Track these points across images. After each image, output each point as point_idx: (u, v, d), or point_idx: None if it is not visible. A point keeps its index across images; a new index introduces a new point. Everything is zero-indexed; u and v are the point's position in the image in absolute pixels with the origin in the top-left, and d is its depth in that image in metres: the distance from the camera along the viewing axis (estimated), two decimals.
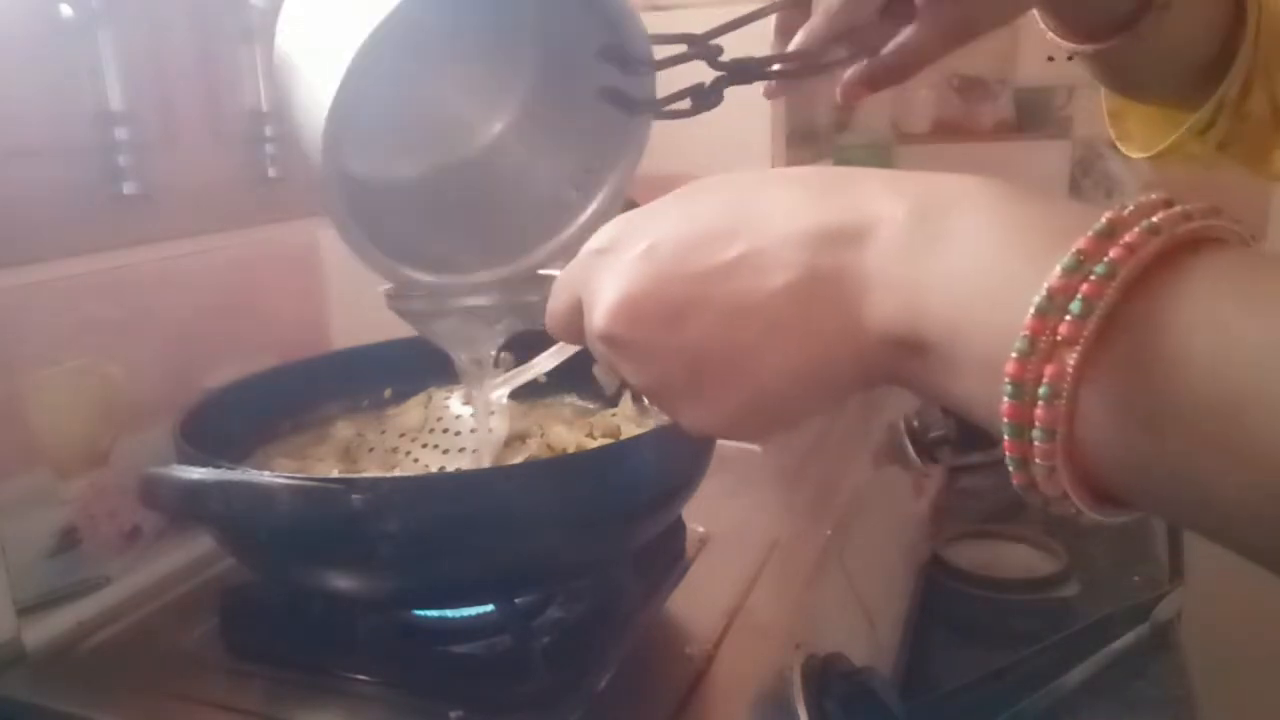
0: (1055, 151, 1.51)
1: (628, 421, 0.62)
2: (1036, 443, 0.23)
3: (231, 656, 0.52)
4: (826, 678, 0.50)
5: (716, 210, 0.31)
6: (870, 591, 0.67)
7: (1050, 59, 1.47)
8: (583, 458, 0.54)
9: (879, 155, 1.61)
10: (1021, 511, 0.95)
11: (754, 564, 0.59)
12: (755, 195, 0.31)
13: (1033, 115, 1.52)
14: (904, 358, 0.27)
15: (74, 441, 0.58)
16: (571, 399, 0.69)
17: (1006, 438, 0.24)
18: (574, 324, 0.35)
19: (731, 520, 0.65)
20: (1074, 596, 0.77)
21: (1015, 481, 0.25)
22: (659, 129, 1.11)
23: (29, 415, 0.55)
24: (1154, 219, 0.22)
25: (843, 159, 1.43)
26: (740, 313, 0.29)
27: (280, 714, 0.48)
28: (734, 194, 0.31)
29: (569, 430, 0.61)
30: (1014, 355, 0.23)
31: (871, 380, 0.29)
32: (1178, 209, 0.22)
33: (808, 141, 1.18)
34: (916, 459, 0.86)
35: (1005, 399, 0.23)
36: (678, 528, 0.61)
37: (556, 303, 0.37)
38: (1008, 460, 0.24)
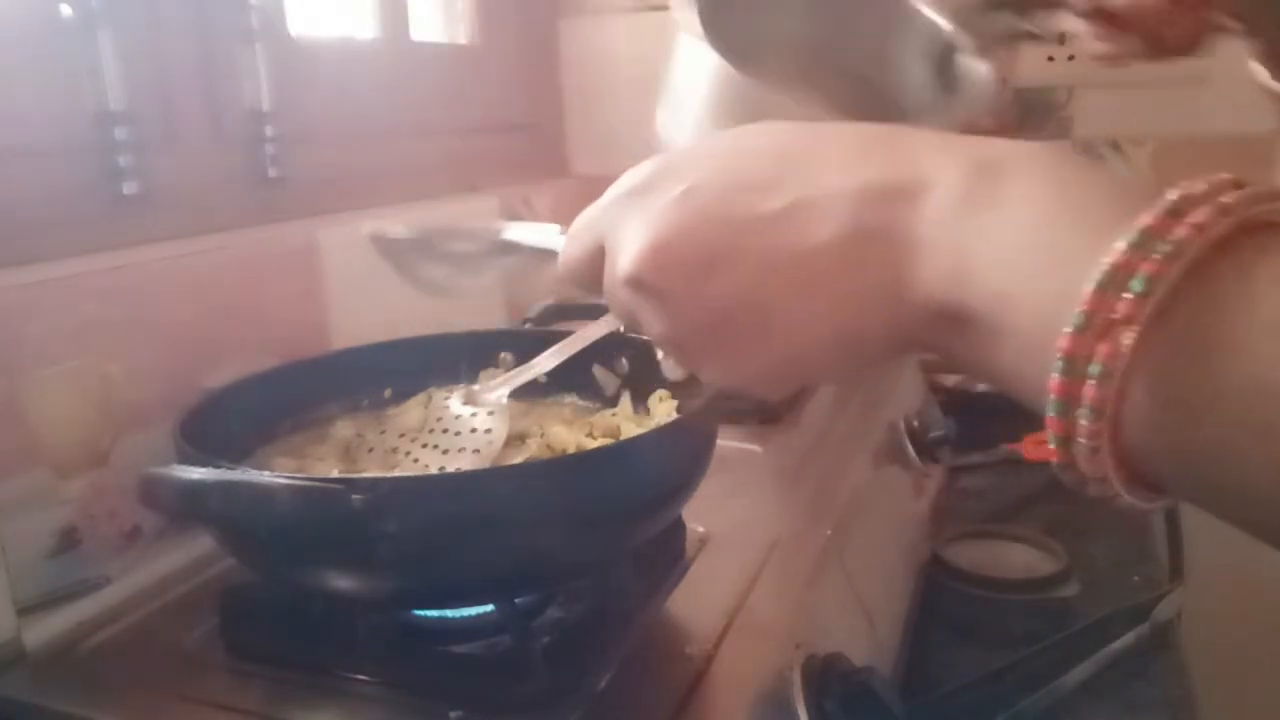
0: None
1: (628, 421, 0.62)
2: (1083, 421, 0.22)
3: (231, 656, 0.52)
4: (826, 678, 0.50)
5: (761, 158, 0.29)
6: (870, 591, 0.67)
7: (1050, 59, 1.47)
8: (583, 458, 0.54)
9: None
10: (1021, 511, 0.95)
11: (754, 564, 0.59)
12: (803, 146, 0.29)
13: (1033, 115, 1.52)
14: (944, 326, 0.26)
15: (74, 441, 0.58)
16: (571, 399, 0.69)
17: (1051, 414, 0.23)
18: (592, 269, 0.33)
19: (731, 520, 0.64)
20: (1074, 596, 0.77)
21: (1056, 460, 0.24)
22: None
23: (29, 415, 0.55)
24: (1224, 199, 0.21)
25: None
26: (779, 267, 0.28)
27: (280, 714, 0.48)
28: (780, 142, 0.30)
29: (569, 430, 0.61)
30: (1069, 330, 0.22)
31: (906, 348, 0.28)
32: (1249, 190, 0.22)
33: None
34: (916, 459, 0.86)
35: (1056, 374, 0.22)
36: (678, 528, 0.61)
37: (576, 245, 0.34)
38: (1050, 438, 0.23)
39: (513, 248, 0.48)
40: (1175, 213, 0.22)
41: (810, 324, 0.28)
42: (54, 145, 0.61)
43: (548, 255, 0.44)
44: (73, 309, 0.57)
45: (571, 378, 0.65)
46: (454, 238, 0.51)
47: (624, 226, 0.31)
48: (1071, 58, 1.46)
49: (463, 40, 1.06)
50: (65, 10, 0.60)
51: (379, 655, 0.50)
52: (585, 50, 1.11)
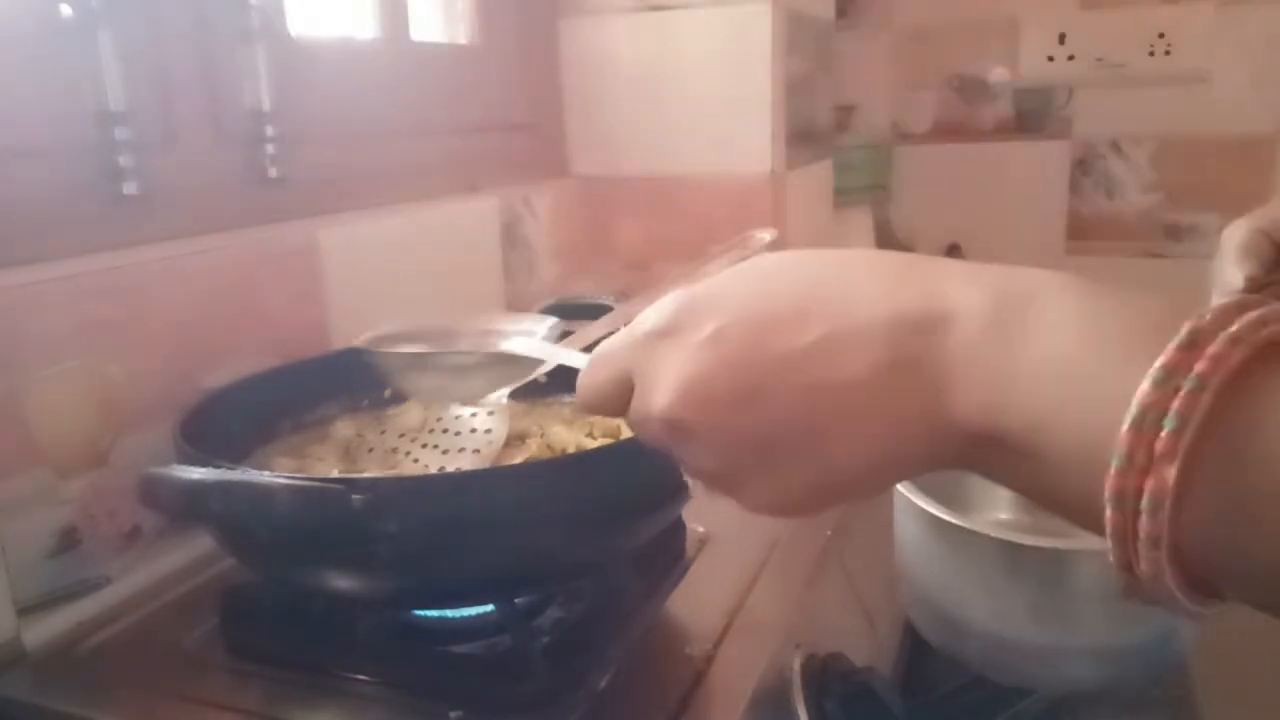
0: (1055, 151, 1.51)
1: None
2: (1142, 550, 0.23)
3: (231, 656, 0.52)
4: (826, 678, 0.50)
5: (788, 292, 0.30)
6: (870, 591, 0.67)
7: (1050, 59, 1.47)
8: (583, 458, 0.54)
9: (879, 155, 1.61)
10: None
11: (754, 564, 0.59)
12: (830, 277, 0.30)
13: (1033, 115, 1.52)
14: (982, 448, 0.27)
15: (74, 441, 0.58)
16: (571, 399, 0.69)
17: (1111, 544, 0.24)
18: (616, 399, 0.34)
19: (731, 520, 0.64)
20: None
21: (1121, 586, 0.25)
22: (660, 124, 1.11)
23: (29, 415, 0.55)
24: (1233, 328, 0.22)
25: (843, 159, 1.42)
26: (814, 399, 0.28)
27: (280, 714, 0.48)
28: (805, 275, 0.31)
29: (569, 430, 0.61)
30: (1113, 469, 0.23)
31: (944, 466, 0.28)
32: (1254, 315, 0.23)
33: (807, 141, 1.18)
34: None
35: (1108, 509, 0.23)
36: (678, 528, 0.61)
37: (600, 377, 0.35)
38: (1113, 562, 0.24)
39: (509, 358, 0.48)
40: (1190, 346, 0.22)
41: (847, 452, 0.28)
42: (54, 145, 0.61)
43: (542, 366, 0.46)
44: (73, 309, 0.58)
45: (571, 378, 0.65)
46: (450, 348, 0.51)
47: (655, 365, 0.32)
48: (1071, 58, 1.46)
49: (463, 40, 1.06)
50: (65, 10, 0.60)
51: (379, 655, 0.50)
52: (585, 50, 1.11)
